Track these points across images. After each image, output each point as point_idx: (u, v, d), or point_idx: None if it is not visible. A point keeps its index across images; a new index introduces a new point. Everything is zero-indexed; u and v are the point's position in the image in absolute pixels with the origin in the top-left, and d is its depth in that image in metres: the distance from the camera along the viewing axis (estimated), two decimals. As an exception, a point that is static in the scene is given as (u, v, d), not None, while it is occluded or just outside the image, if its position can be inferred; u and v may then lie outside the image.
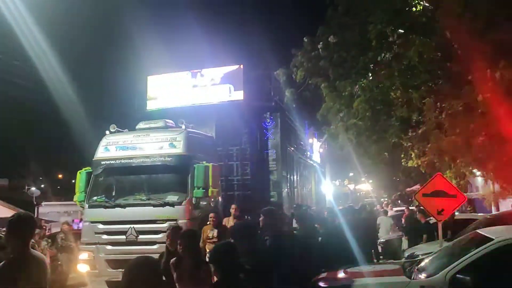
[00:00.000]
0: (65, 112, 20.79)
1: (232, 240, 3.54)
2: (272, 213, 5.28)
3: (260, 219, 5.14)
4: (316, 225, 6.83)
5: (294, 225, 7.99)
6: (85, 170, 8.75)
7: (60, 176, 43.74)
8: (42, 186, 35.31)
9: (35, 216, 21.41)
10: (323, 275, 5.41)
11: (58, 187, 40.43)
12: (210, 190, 8.18)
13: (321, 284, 5.13)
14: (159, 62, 14.51)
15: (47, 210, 23.87)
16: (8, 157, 32.19)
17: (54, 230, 15.81)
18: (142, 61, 15.89)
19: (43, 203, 24.91)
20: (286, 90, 9.99)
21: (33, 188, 26.77)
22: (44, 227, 13.64)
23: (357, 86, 8.70)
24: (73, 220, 17.23)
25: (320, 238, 6.49)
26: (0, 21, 12.16)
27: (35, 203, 24.62)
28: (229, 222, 7.65)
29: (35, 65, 15.33)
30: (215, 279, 2.98)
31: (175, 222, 7.66)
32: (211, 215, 7.23)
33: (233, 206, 8.07)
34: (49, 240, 11.00)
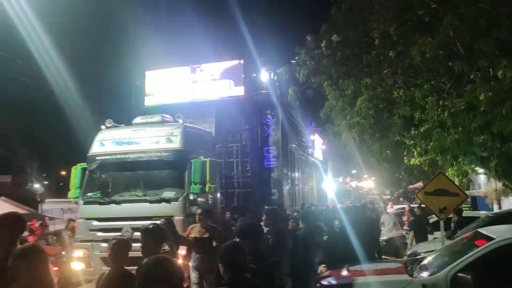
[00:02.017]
0: (66, 109, 20.84)
1: (237, 240, 3.59)
2: (274, 212, 5.33)
3: (263, 218, 5.19)
4: (319, 224, 6.87)
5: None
6: (80, 165, 8.59)
7: (63, 173, 43.89)
8: (46, 183, 35.45)
9: (39, 213, 21.55)
10: (326, 273, 5.46)
11: (61, 184, 40.54)
12: (207, 185, 7.99)
13: (324, 282, 5.19)
14: (158, 57, 14.38)
15: (51, 207, 24.00)
16: (11, 154, 32.29)
17: (57, 227, 15.91)
18: (140, 56, 15.78)
19: (46, 200, 25.01)
20: (288, 88, 9.99)
21: (37, 185, 26.86)
22: (47, 224, 13.74)
23: (360, 85, 8.71)
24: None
25: (326, 237, 6.52)
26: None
27: (38, 200, 24.73)
28: (194, 230, 6.33)
29: (35, 62, 15.36)
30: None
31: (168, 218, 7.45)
32: (161, 222, 6.00)
33: (198, 211, 6.48)
34: (54, 237, 11.09)
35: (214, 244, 5.97)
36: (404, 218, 12.95)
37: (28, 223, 13.80)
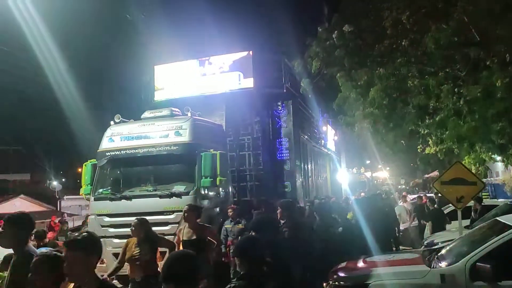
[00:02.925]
0: (82, 107, 21.10)
1: (253, 233, 3.62)
2: (289, 205, 5.33)
3: (278, 211, 5.20)
4: (334, 216, 6.85)
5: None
6: (90, 162, 8.55)
7: (79, 170, 44.60)
8: (63, 180, 36.15)
9: (58, 209, 22.04)
10: (343, 264, 5.46)
11: (78, 180, 41.21)
12: (218, 179, 7.87)
13: (341, 273, 5.18)
14: (166, 51, 14.21)
15: (69, 203, 24.50)
16: (29, 152, 33.00)
17: (76, 224, 16.29)
18: (149, 51, 15.71)
19: (65, 197, 25.54)
20: (301, 80, 9.91)
21: (55, 182, 27.41)
22: (66, 220, 14.07)
23: (374, 75, 8.61)
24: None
25: (340, 228, 6.51)
26: (6, 11, 12.06)
27: (57, 197, 25.27)
28: (181, 232, 5.59)
29: (47, 60, 15.49)
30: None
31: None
32: (133, 223, 5.46)
33: (184, 208, 5.70)
34: (73, 233, 11.32)
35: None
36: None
37: (48, 220, 14.17)
